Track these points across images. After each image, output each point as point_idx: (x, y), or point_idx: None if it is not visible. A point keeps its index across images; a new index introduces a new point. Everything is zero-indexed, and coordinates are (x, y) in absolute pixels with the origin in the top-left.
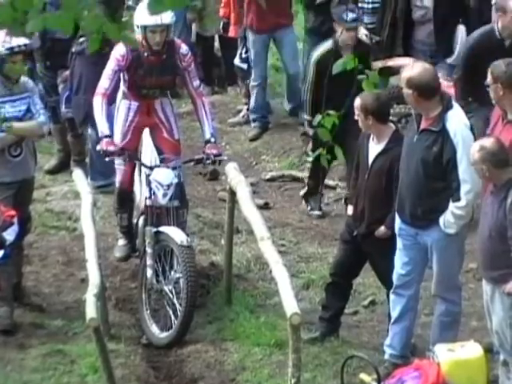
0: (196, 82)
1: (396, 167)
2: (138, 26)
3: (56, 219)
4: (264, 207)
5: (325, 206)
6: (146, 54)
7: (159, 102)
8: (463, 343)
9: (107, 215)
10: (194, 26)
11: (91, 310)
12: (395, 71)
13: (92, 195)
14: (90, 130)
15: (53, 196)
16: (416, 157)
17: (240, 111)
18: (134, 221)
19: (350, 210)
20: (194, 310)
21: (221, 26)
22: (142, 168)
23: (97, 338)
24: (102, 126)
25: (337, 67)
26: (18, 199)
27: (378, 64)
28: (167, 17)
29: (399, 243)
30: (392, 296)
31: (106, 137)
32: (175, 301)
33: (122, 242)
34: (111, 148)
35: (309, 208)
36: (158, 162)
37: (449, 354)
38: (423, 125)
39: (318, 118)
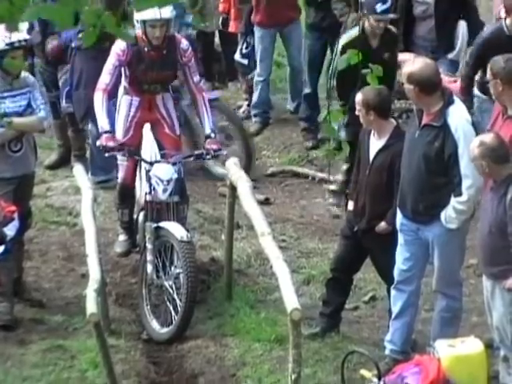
0: (196, 78)
1: (397, 163)
2: (137, 21)
3: (56, 214)
4: (264, 202)
5: (325, 202)
6: (146, 49)
7: (161, 97)
8: (464, 339)
9: (107, 210)
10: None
11: (91, 306)
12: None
13: (92, 190)
14: (90, 125)
15: (53, 191)
16: (418, 152)
17: (240, 107)
18: (135, 216)
19: (351, 205)
20: (194, 306)
21: (220, 21)
22: (142, 163)
23: (97, 334)
24: (103, 122)
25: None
26: (19, 194)
27: (405, 55)
28: (167, 11)
29: (400, 239)
30: (393, 291)
31: (106, 132)
32: (175, 296)
33: (122, 237)
34: (111, 143)
35: (331, 201)
36: (158, 158)
37: (449, 350)
38: (424, 120)
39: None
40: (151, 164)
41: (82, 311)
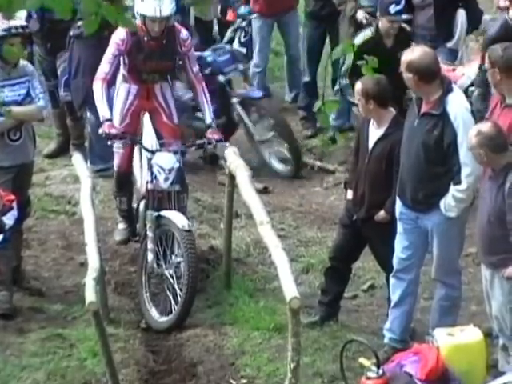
0: (196, 68)
1: (396, 152)
2: (137, 13)
3: (55, 203)
4: (263, 191)
5: (324, 191)
6: (145, 39)
7: (159, 86)
8: (463, 327)
9: (106, 199)
10: (192, 10)
11: (90, 294)
12: None
13: (91, 179)
14: (89, 114)
15: (52, 180)
16: (417, 141)
17: None
18: (134, 205)
19: (350, 194)
20: (194, 295)
21: (218, 9)
22: (143, 152)
23: (96, 322)
24: (103, 110)
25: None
26: (17, 183)
27: None
28: (167, 9)
29: (400, 227)
30: (392, 280)
31: (108, 120)
32: (175, 285)
33: (121, 225)
34: (113, 131)
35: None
36: (157, 147)
37: (448, 339)
38: (424, 108)
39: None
40: (153, 153)
41: (81, 300)
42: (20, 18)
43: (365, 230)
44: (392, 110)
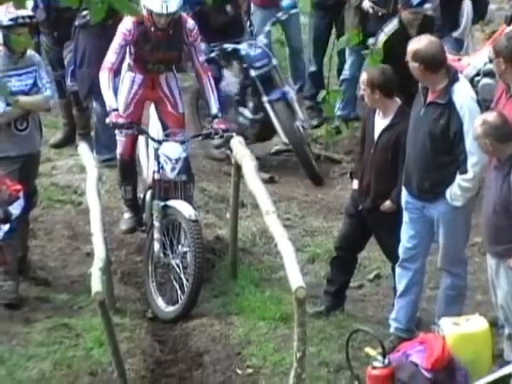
0: (202, 58)
1: (402, 141)
2: (144, 6)
3: (61, 193)
4: (269, 181)
5: (330, 180)
6: (152, 29)
7: (164, 76)
8: (468, 317)
9: (112, 189)
10: None
11: (96, 284)
12: None
13: (97, 169)
14: (94, 104)
15: (58, 170)
16: (423, 130)
17: None
18: (141, 195)
19: (356, 184)
20: (201, 285)
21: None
22: (150, 142)
23: (102, 312)
24: (110, 100)
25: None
26: (24, 173)
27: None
28: (173, 5)
29: (406, 216)
30: (398, 269)
31: (115, 110)
32: (182, 275)
33: (127, 215)
34: (121, 120)
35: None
36: (163, 137)
37: (454, 328)
38: (430, 98)
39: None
40: (160, 143)
41: (87, 290)
42: (26, 8)
43: (370, 219)
44: (398, 100)
